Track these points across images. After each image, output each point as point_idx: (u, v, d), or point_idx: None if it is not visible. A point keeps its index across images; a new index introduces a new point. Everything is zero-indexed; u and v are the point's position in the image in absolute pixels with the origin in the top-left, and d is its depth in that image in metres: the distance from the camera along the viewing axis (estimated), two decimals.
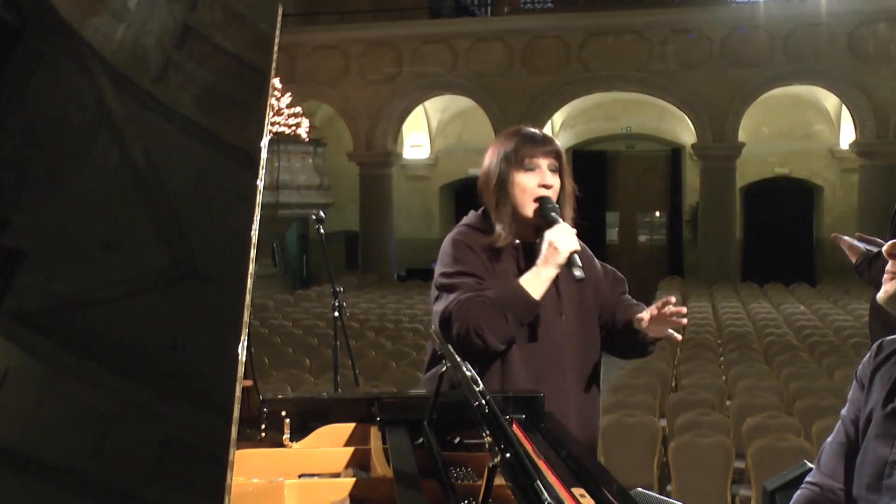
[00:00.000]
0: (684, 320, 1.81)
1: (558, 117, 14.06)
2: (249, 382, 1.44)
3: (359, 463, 1.39)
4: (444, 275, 1.81)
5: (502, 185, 1.81)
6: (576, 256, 1.79)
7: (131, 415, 0.80)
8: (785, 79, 11.98)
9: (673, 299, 1.79)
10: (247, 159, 0.99)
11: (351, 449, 1.41)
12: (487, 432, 1.03)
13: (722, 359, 5.93)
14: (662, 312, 1.80)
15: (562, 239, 1.77)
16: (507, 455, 0.97)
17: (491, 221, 1.84)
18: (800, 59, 11.75)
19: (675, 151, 14.14)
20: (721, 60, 12.00)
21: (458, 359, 1.29)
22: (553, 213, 1.80)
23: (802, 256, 13.47)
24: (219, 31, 1.09)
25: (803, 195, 13.82)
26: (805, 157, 13.52)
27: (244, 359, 0.81)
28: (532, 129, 1.86)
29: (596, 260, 2.01)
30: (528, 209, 1.81)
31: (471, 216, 1.90)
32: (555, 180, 1.84)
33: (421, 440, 1.36)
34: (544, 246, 1.78)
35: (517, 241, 1.83)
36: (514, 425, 1.40)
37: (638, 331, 1.83)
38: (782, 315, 8.24)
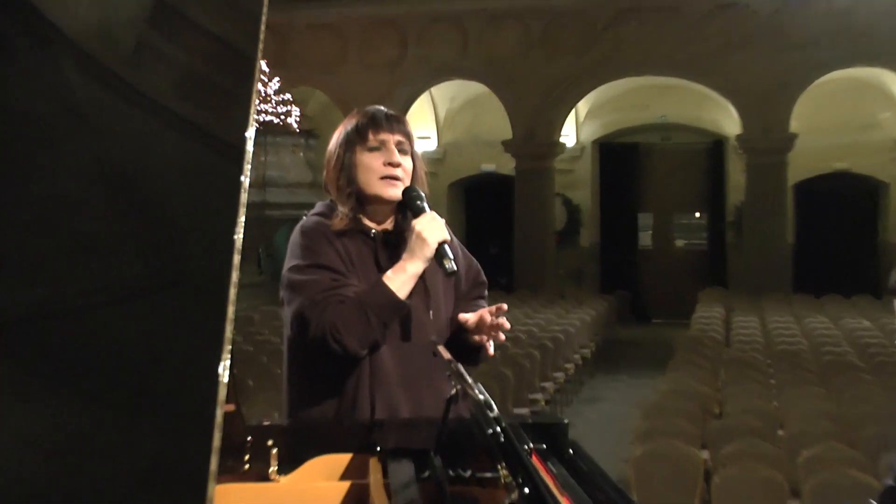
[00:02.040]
0: (502, 336, 1.82)
1: (583, 106, 14.06)
2: (232, 407, 1.43)
3: (356, 499, 1.38)
4: (294, 269, 1.79)
5: (343, 165, 1.83)
6: (446, 247, 1.77)
7: (97, 441, 0.80)
8: (845, 60, 11.92)
9: (505, 307, 1.80)
10: (231, 152, 0.99)
11: (347, 483, 1.40)
12: (503, 464, 1.03)
13: (772, 381, 5.89)
14: (484, 319, 1.81)
15: (430, 229, 1.76)
16: (526, 490, 0.97)
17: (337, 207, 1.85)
18: (863, 37, 11.67)
19: (717, 144, 14.10)
20: (770, 39, 11.95)
21: (470, 379, 1.28)
22: (419, 202, 1.82)
23: (864, 263, 13.36)
24: (198, 7, 1.09)
25: (865, 193, 13.73)
26: (868, 150, 13.42)
27: (226, 380, 0.81)
28: (381, 108, 1.88)
29: (465, 253, 2.01)
30: (376, 188, 1.81)
31: (318, 205, 1.94)
32: (404, 160, 1.84)
33: (427, 473, 1.36)
34: (411, 237, 1.77)
35: (373, 230, 1.83)
36: (533, 456, 1.38)
37: (463, 332, 1.87)
38: (842, 331, 8.19)
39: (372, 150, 1.83)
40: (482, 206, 15.32)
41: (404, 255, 1.77)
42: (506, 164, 13.98)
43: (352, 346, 1.71)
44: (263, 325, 9.07)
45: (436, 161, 15.09)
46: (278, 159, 11.80)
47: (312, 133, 12.38)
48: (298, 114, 11.97)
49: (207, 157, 0.99)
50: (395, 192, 1.83)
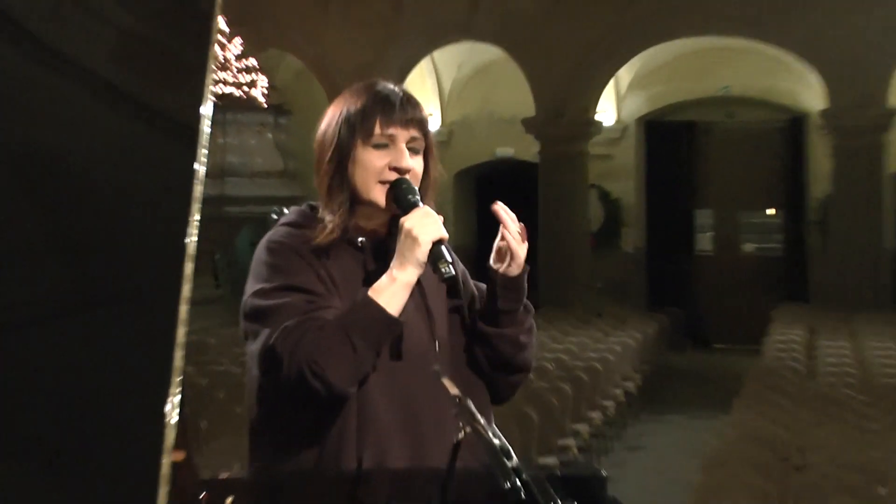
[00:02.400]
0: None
1: (624, 74, 14.08)
2: (182, 455, 1.43)
3: None
4: (259, 294, 1.80)
5: (341, 161, 1.83)
6: (443, 248, 1.77)
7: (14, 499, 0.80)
8: None
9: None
10: (182, 134, 1.00)
11: None
12: None
13: (871, 424, 5.82)
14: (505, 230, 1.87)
15: (423, 226, 1.76)
16: None
17: (319, 214, 1.86)
18: None
19: (796, 121, 14.08)
20: None
21: (482, 420, 1.28)
22: (410, 196, 1.80)
23: None
24: None
25: None
26: None
27: (175, 421, 0.81)
28: (391, 87, 1.87)
29: (467, 278, 2.02)
30: (373, 194, 1.83)
31: (292, 212, 1.92)
32: (415, 163, 1.86)
33: None
34: (400, 237, 1.77)
35: (361, 239, 1.85)
36: None
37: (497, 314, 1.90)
38: None
39: (377, 146, 1.83)
40: (499, 198, 15.25)
41: (393, 261, 1.77)
42: (527, 149, 13.99)
43: (338, 381, 1.70)
44: (221, 352, 9.08)
45: (439, 145, 15.04)
46: (241, 142, 11.84)
47: (283, 108, 12.42)
48: (266, 84, 12.00)
49: (152, 140, 1.00)
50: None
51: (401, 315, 1.78)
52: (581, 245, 12.97)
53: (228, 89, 11.55)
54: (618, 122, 14.50)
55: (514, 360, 1.94)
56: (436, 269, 1.75)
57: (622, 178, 14.49)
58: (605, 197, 14.49)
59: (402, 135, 1.84)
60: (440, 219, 1.79)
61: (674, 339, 12.39)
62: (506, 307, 1.92)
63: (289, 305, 1.76)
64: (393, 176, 1.83)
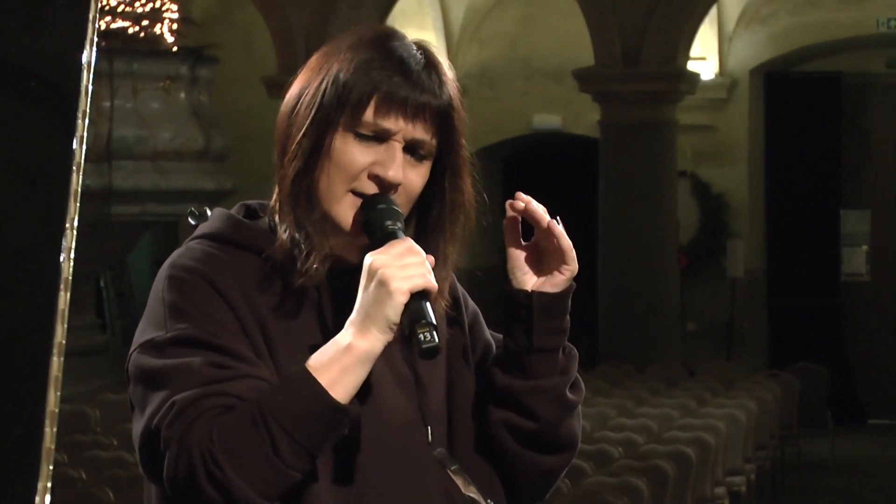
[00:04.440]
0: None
1: (733, 7, 14.09)
2: None
3: None
4: (148, 348, 1.81)
5: (315, 145, 1.85)
6: (426, 305, 1.76)
7: None
8: None
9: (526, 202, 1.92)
10: (49, 94, 1.03)
11: None
12: None
13: None
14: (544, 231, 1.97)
15: (399, 268, 1.75)
16: None
17: (263, 222, 1.90)
18: None
19: None
20: None
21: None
22: (388, 223, 1.80)
23: None
24: None
25: None
26: None
27: None
28: (411, 47, 1.89)
29: (479, 320, 2.05)
30: (336, 207, 1.84)
31: (216, 218, 1.91)
32: (414, 174, 1.87)
33: None
34: (363, 281, 1.76)
35: (318, 267, 1.86)
36: None
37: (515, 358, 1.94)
38: None
39: (363, 138, 1.85)
40: (535, 195, 15.23)
41: (351, 318, 1.76)
42: (581, 117, 14.00)
43: (247, 493, 1.70)
44: (107, 430, 9.08)
45: None
46: (137, 105, 11.88)
47: (202, 54, 12.47)
48: (176, 17, 12.06)
49: (6, 109, 1.02)
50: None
51: (370, 384, 1.79)
52: (665, 266, 12.96)
53: (121, 26, 11.61)
54: (722, 74, 14.51)
55: (557, 429, 1.95)
56: (411, 335, 1.75)
57: (729, 161, 14.50)
58: (702, 191, 14.50)
59: (406, 130, 1.85)
60: (428, 259, 1.77)
61: (809, 412, 12.33)
62: (542, 344, 1.95)
63: (187, 369, 1.75)
64: (370, 188, 1.84)
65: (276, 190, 1.89)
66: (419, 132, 1.85)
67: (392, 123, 1.83)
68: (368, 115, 1.82)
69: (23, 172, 1.00)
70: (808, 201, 14.28)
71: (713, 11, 13.50)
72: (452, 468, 1.86)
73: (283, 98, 1.98)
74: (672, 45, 12.99)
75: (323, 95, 1.85)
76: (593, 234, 13.05)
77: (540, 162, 15.47)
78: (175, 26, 11.95)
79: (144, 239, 13.99)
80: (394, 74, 1.84)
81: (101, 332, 13.44)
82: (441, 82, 1.89)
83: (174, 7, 11.90)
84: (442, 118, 1.88)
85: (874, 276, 14.61)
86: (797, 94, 14.46)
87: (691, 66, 13.42)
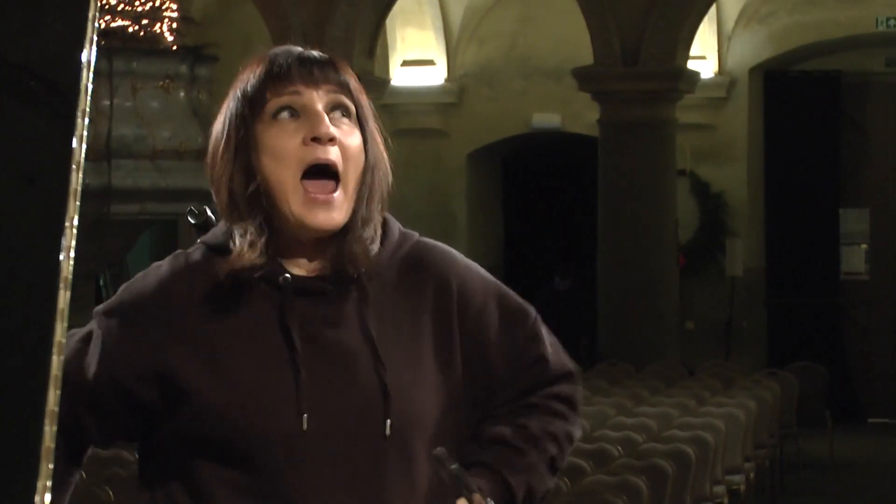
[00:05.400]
0: None
1: (732, 6, 14.08)
2: None
3: None
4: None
5: (238, 151, 1.92)
6: None
7: None
8: None
9: None
10: (48, 93, 1.03)
11: None
12: None
13: None
14: None
15: None
16: None
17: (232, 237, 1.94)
18: None
19: None
20: None
21: None
22: (469, 485, 1.86)
23: None
24: None
25: None
26: None
27: None
28: (296, 48, 2.00)
29: (506, 310, 2.09)
30: (293, 198, 1.89)
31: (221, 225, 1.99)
32: (345, 132, 1.93)
33: None
34: None
35: (286, 275, 1.92)
36: None
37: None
38: None
39: (281, 113, 1.92)
40: (535, 194, 15.33)
41: None
42: (580, 116, 13.99)
43: None
44: None
45: (446, 108, 15.12)
46: (136, 105, 11.87)
47: (201, 53, 12.46)
48: (175, 16, 12.05)
49: (5, 108, 1.01)
50: (325, 213, 1.88)
51: (304, 355, 1.86)
52: (664, 265, 12.95)
53: (120, 25, 11.61)
54: (722, 73, 14.50)
55: None
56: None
57: (728, 160, 14.49)
58: (701, 190, 14.48)
59: (314, 94, 1.92)
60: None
61: (808, 411, 12.33)
62: None
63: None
64: (315, 154, 1.88)
65: (216, 197, 1.96)
66: (331, 88, 1.93)
67: (302, 90, 1.91)
68: (280, 97, 1.92)
69: (22, 171, 1.00)
70: (808, 200, 14.27)
71: (712, 10, 13.49)
72: (452, 467, 1.86)
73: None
74: (671, 44, 12.98)
75: (232, 104, 1.97)
76: (592, 233, 13.06)
77: (539, 161, 15.45)
78: (175, 25, 11.94)
79: (144, 238, 13.97)
80: (277, 61, 1.95)
81: None
82: (328, 62, 1.97)
83: (174, 6, 11.89)
84: (342, 82, 1.95)
85: (873, 275, 14.60)
86: (796, 93, 14.45)
87: (690, 65, 13.41)
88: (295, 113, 1.90)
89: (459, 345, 1.99)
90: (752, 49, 14.49)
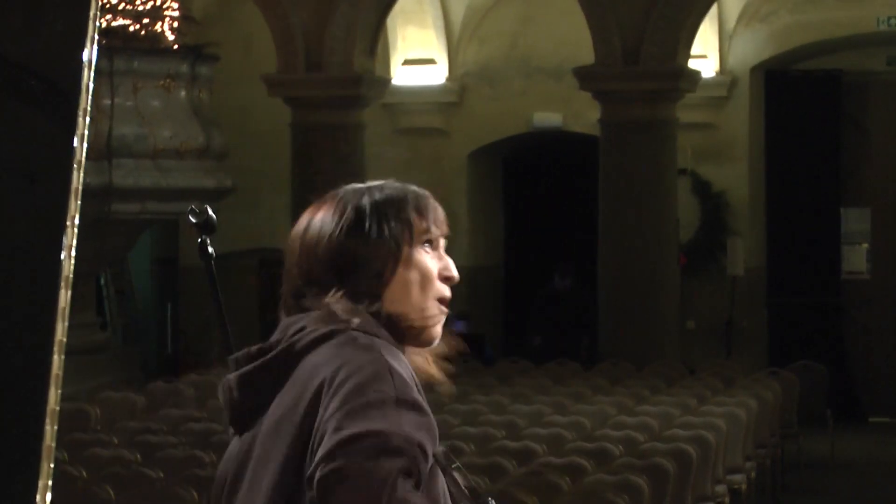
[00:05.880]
0: None
1: (733, 4, 14.08)
2: None
3: None
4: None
5: (390, 262, 2.13)
6: None
7: None
8: None
9: None
10: (49, 93, 1.02)
11: None
12: None
13: None
14: None
15: None
16: None
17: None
18: None
19: None
20: None
21: None
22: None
23: None
24: None
25: None
26: None
27: None
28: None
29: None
30: (431, 321, 2.14)
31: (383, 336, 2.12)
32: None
33: None
34: None
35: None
36: None
37: None
38: None
39: (427, 243, 2.17)
40: (536, 193, 15.33)
41: None
42: (581, 115, 13.97)
43: None
44: (108, 427, 9.07)
45: (446, 108, 15.12)
46: (137, 104, 11.88)
47: (202, 52, 12.46)
48: (176, 15, 12.05)
49: (7, 108, 1.01)
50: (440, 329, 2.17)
51: None
52: (664, 264, 12.94)
53: (121, 24, 11.60)
54: (723, 72, 14.50)
55: None
56: None
57: (729, 159, 14.49)
58: (702, 189, 14.47)
59: (441, 233, 2.20)
60: None
61: (809, 410, 12.32)
62: None
63: None
64: (446, 290, 2.17)
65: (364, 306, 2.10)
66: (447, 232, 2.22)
67: (440, 228, 2.19)
68: (426, 224, 2.16)
69: (23, 171, 1.00)
70: (809, 199, 14.26)
71: (713, 9, 13.47)
72: (453, 466, 1.88)
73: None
74: (672, 43, 12.97)
75: (386, 220, 2.14)
76: (593, 232, 13.04)
77: (540, 160, 15.44)
78: (175, 24, 11.94)
79: (144, 237, 13.97)
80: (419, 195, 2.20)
81: (102, 331, 13.42)
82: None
83: (175, 5, 11.89)
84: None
85: (874, 274, 14.59)
86: (797, 93, 14.44)
87: (691, 64, 13.40)
88: (434, 248, 2.17)
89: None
90: (753, 48, 14.48)
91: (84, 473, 7.26)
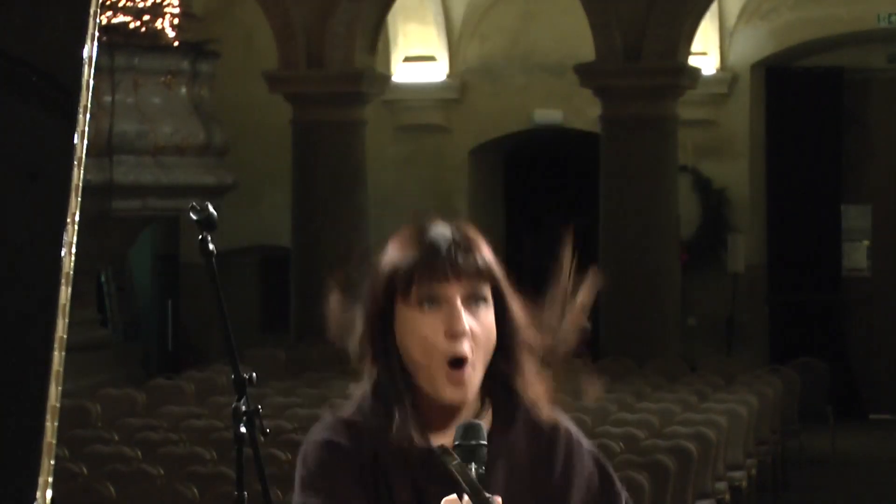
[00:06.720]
0: None
1: (734, 2, 14.08)
2: None
3: None
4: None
5: (382, 330, 2.08)
6: None
7: None
8: None
9: None
10: (50, 89, 1.03)
11: None
12: None
13: None
14: None
15: None
16: None
17: (384, 407, 2.08)
18: None
19: None
20: None
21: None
22: (470, 474, 1.93)
23: None
24: None
25: None
26: None
27: None
28: (444, 232, 2.11)
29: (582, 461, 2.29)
30: (439, 377, 2.05)
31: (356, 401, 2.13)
32: (478, 321, 2.09)
33: None
34: None
35: (440, 445, 2.01)
36: None
37: None
38: None
39: (423, 306, 2.06)
40: (537, 190, 15.33)
41: None
42: (582, 112, 13.97)
43: None
44: (109, 425, 9.08)
45: (448, 104, 15.12)
46: (138, 101, 11.88)
47: (203, 49, 12.46)
48: (177, 12, 12.05)
49: (7, 104, 1.02)
50: (458, 390, 2.06)
51: None
52: (665, 261, 12.95)
53: (121, 20, 11.60)
54: (723, 69, 14.50)
55: None
56: None
57: (730, 156, 14.49)
58: (703, 186, 14.48)
59: (455, 288, 2.06)
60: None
61: (809, 407, 12.33)
62: None
63: None
64: (452, 347, 2.03)
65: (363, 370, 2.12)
66: (467, 285, 2.06)
67: (443, 283, 2.04)
68: (426, 286, 2.04)
69: (24, 167, 1.00)
70: (809, 196, 14.26)
71: (714, 6, 13.48)
72: (454, 464, 1.89)
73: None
74: (673, 39, 12.98)
75: (374, 285, 2.09)
76: (593, 230, 13.03)
77: (541, 157, 15.44)
78: (176, 21, 11.95)
79: (145, 234, 13.98)
80: (431, 254, 2.06)
81: (102, 327, 13.43)
82: (471, 246, 2.09)
83: (175, 2, 11.90)
84: (482, 273, 2.10)
85: (875, 271, 14.59)
86: (798, 90, 14.44)
87: (692, 60, 13.40)
88: (436, 303, 2.05)
89: None
90: (753, 45, 14.48)
91: (85, 470, 7.27)
